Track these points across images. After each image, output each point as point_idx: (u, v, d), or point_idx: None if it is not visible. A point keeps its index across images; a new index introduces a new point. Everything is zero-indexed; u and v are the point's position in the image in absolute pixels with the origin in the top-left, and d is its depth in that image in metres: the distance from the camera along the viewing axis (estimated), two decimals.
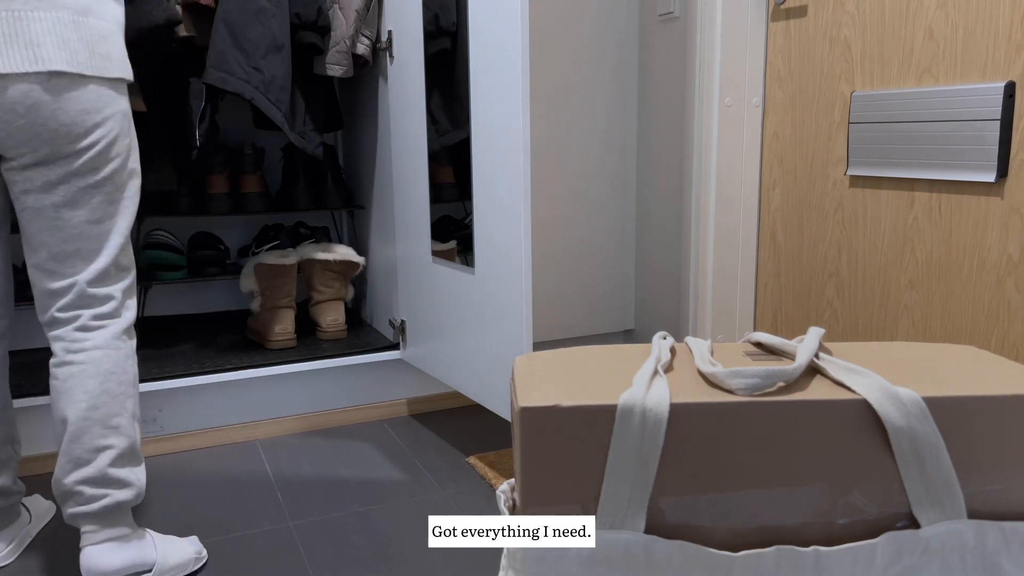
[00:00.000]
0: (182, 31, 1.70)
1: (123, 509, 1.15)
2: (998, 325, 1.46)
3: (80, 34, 1.09)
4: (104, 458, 1.13)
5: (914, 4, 1.55)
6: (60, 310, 1.15)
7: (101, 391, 1.13)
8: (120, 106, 1.15)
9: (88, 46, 1.10)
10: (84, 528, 1.14)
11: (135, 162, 1.19)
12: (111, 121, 1.13)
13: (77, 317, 1.15)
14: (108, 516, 1.14)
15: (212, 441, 1.77)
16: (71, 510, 1.13)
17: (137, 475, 1.17)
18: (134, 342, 1.20)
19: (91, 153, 1.11)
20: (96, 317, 1.16)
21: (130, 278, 1.20)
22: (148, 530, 1.23)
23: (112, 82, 1.14)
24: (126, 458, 1.15)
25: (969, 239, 1.50)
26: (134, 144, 1.19)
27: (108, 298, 1.16)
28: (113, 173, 1.15)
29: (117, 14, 1.16)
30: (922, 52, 1.54)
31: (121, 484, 1.15)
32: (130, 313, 1.20)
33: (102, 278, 1.16)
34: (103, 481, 1.13)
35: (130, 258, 1.21)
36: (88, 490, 1.12)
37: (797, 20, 1.82)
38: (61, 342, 1.15)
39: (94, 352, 1.14)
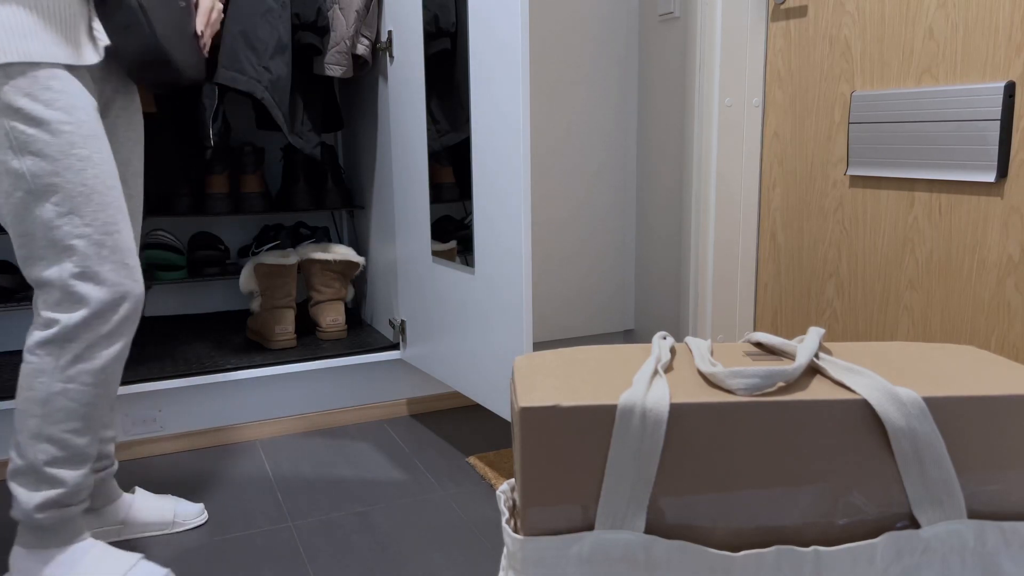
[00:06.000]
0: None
1: (25, 523, 1.11)
2: (998, 325, 1.46)
3: None
4: (8, 468, 1.12)
5: (914, 4, 1.55)
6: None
7: (18, 399, 1.08)
8: None
9: None
10: None
11: (5, 157, 1.02)
12: None
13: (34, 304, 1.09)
14: (20, 522, 1.12)
15: (212, 441, 1.77)
16: None
17: (29, 497, 1.09)
18: (56, 359, 1.06)
19: None
20: (36, 317, 1.07)
21: (45, 282, 1.05)
22: (78, 545, 1.14)
23: None
24: (21, 476, 1.09)
25: (969, 239, 1.50)
26: (13, 136, 1.02)
27: (37, 295, 1.08)
28: None
29: None
30: (922, 52, 1.54)
31: (15, 498, 1.11)
32: (53, 325, 1.05)
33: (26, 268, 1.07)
34: (7, 486, 1.10)
35: (49, 266, 1.05)
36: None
37: (797, 20, 1.82)
38: None
39: (24, 354, 1.09)
